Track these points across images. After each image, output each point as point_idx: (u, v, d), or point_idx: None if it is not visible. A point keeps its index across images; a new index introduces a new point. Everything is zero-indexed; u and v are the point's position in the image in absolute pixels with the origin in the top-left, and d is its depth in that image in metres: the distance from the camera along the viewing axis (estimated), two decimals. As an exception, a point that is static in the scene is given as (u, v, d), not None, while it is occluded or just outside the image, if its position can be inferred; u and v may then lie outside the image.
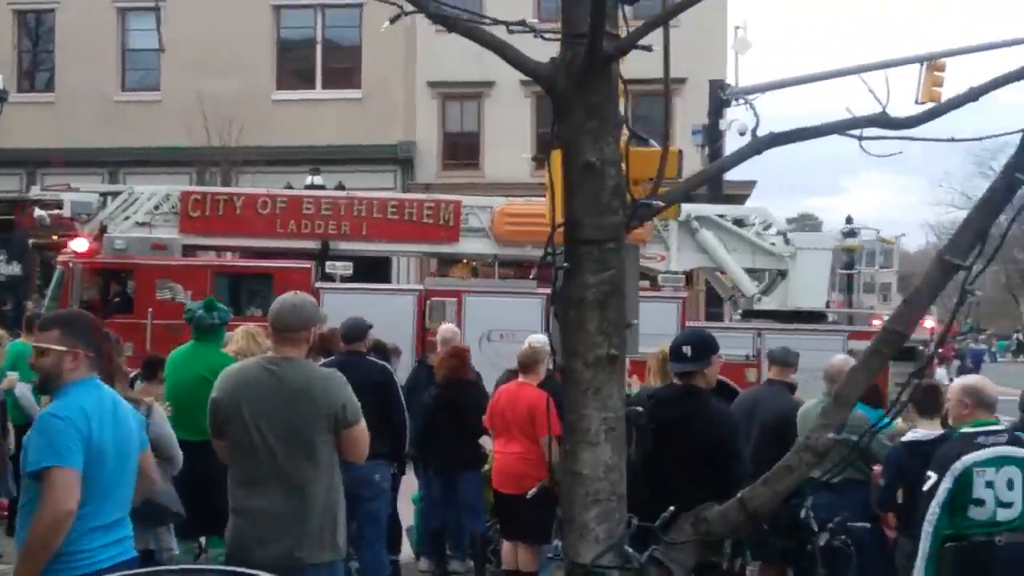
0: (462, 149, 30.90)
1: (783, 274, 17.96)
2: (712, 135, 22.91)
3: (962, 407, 6.38)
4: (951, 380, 24.56)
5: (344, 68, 30.66)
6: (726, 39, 25.10)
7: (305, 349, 5.36)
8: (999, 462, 6.03)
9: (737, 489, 5.78)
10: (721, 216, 18.16)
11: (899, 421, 7.46)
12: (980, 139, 3.77)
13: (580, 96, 3.94)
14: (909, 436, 7.25)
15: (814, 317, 17.10)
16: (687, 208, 16.89)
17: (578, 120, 3.97)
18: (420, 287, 17.18)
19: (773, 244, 17.94)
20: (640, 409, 5.37)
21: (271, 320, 5.29)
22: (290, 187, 22.99)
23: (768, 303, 17.70)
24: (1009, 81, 4.16)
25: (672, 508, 3.92)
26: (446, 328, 11.39)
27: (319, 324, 6.32)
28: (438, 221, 17.59)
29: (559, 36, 3.97)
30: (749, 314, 17.98)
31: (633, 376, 9.33)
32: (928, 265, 3.80)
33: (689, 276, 18.88)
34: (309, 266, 16.75)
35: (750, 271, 18.04)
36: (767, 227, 18.26)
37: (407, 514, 10.00)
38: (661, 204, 4.05)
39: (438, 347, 10.73)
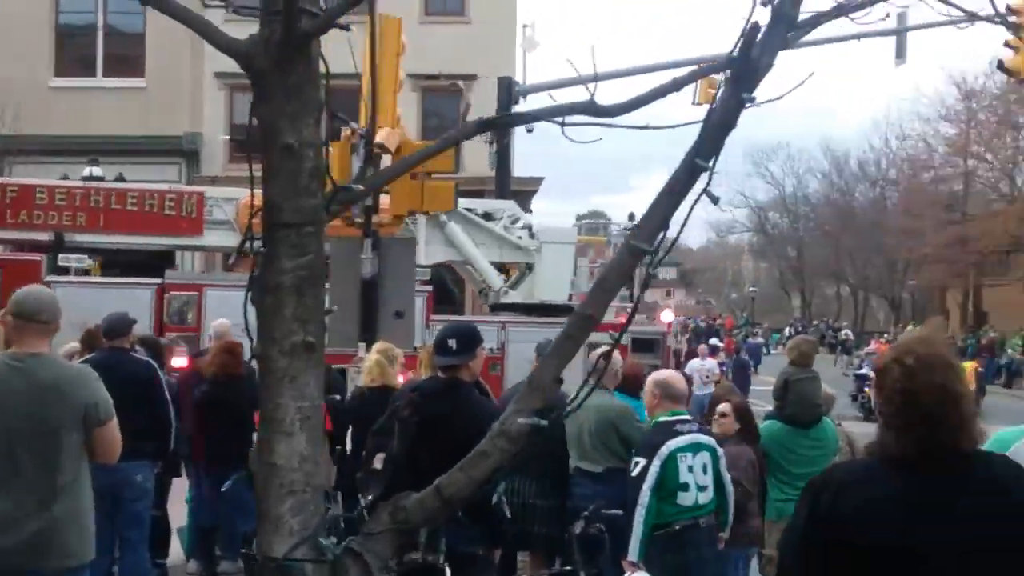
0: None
1: (531, 267, 18.20)
2: (501, 132, 23.01)
3: (652, 398, 6.86)
4: (723, 371, 25.49)
5: (127, 56, 29.48)
6: (515, 37, 25.38)
7: (49, 344, 5.08)
8: (695, 448, 6.56)
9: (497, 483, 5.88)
10: (469, 210, 18.18)
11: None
12: (673, 127, 3.82)
13: (278, 76, 3.81)
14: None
15: (560, 310, 17.19)
16: None
17: (277, 101, 3.84)
18: (159, 281, 16.45)
19: (520, 238, 18.10)
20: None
21: (13, 313, 4.97)
22: (66, 178, 21.99)
23: (515, 296, 17.88)
24: (705, 74, 4.26)
25: (371, 498, 3.85)
26: (219, 323, 11.07)
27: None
28: (180, 213, 17.15)
29: (256, 13, 3.83)
30: (497, 307, 18.15)
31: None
32: (618, 253, 3.83)
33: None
34: (39, 258, 16.01)
35: (499, 265, 18.21)
36: (514, 221, 18.42)
37: (181, 515, 9.70)
38: (360, 189, 3.94)
39: (211, 341, 10.46)
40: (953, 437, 2.99)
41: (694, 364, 21.84)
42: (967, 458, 3.01)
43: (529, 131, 23.87)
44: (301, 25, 3.70)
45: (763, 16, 3.57)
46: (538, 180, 29.76)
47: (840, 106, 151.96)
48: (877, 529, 2.94)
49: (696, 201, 3.39)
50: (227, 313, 15.02)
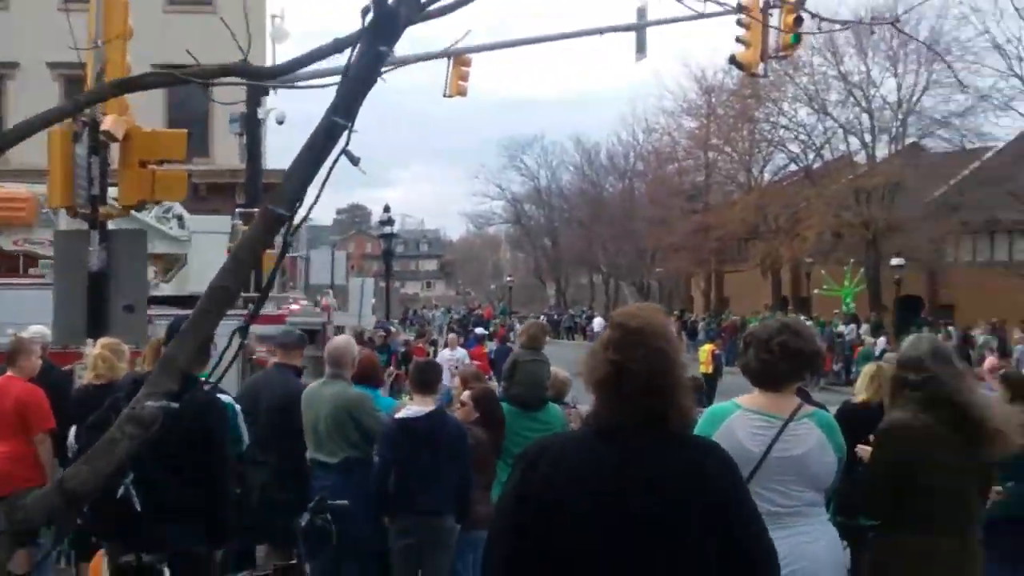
0: (-17, 133, 28.34)
1: (183, 259, 17.49)
2: (251, 124, 22.51)
3: None
4: (491, 358, 25.77)
5: None
6: (264, 27, 24.84)
7: None
8: None
9: (223, 483, 5.65)
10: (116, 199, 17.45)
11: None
12: (321, 87, 3.58)
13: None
14: (402, 413, 7.42)
15: None
16: None
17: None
18: None
19: (171, 228, 17.32)
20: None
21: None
22: None
23: (168, 289, 16.99)
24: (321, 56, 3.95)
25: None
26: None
27: None
28: None
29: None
30: (150, 301, 17.35)
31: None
32: (255, 220, 3.60)
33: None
34: None
35: (154, 256, 17.54)
36: (166, 211, 17.40)
37: None
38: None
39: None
40: (663, 406, 3.08)
41: (444, 354, 21.72)
42: (671, 432, 3.09)
43: (280, 123, 23.55)
44: None
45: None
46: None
47: (591, 100, 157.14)
48: (589, 496, 3.00)
49: (335, 162, 3.25)
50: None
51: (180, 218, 17.24)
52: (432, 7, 3.47)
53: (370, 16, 3.28)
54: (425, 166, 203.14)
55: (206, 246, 16.76)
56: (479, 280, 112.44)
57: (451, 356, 21.44)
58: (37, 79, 26.79)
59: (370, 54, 3.29)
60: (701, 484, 3.02)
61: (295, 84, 3.73)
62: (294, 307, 16.76)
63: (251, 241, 3.58)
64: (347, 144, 3.25)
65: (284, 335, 9.12)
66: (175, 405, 3.16)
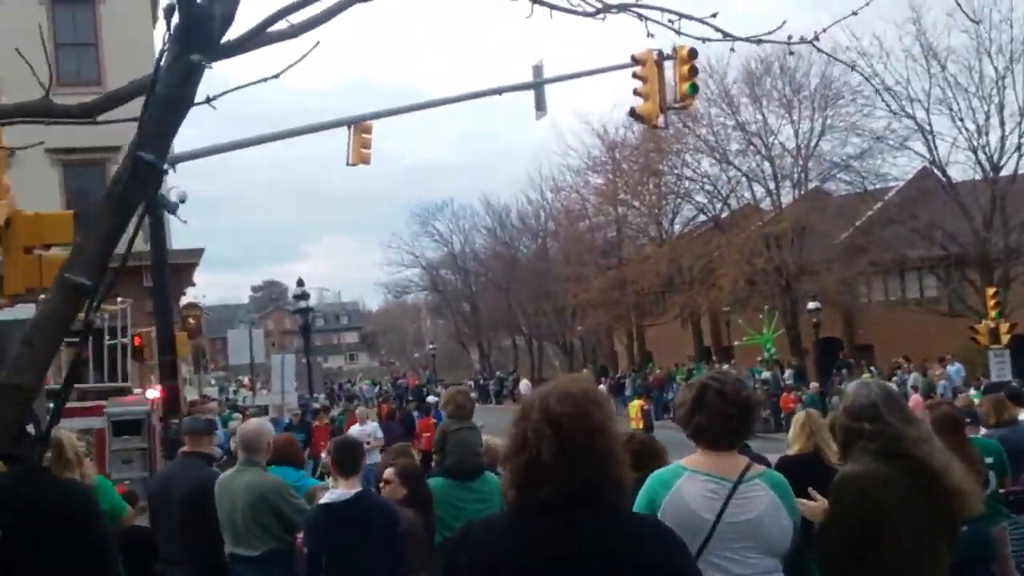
0: None
1: None
2: (151, 204, 21.96)
3: None
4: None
5: None
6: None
7: None
8: None
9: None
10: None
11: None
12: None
13: None
14: (326, 498, 6.99)
15: None
16: None
17: None
18: None
19: None
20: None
21: None
22: None
23: None
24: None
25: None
26: None
27: None
28: None
29: None
30: None
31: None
32: (50, 294, 3.01)
33: None
34: None
35: None
36: None
37: None
38: None
39: None
40: (595, 476, 2.84)
41: (354, 430, 20.09)
42: (605, 508, 2.85)
43: (182, 202, 23.00)
44: None
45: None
46: (198, 252, 28.69)
47: (497, 162, 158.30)
48: None
49: (143, 216, 2.79)
50: None
51: None
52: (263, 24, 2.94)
53: (176, 19, 2.67)
54: (337, 238, 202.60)
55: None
56: (402, 349, 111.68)
57: (361, 431, 20.17)
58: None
59: (180, 64, 2.71)
60: (641, 563, 2.76)
61: (109, 120, 3.34)
62: (126, 398, 16.23)
63: (47, 321, 2.95)
64: (159, 185, 2.78)
65: (192, 422, 8.76)
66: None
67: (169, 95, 2.71)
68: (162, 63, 2.70)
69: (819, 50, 6.22)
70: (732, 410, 4.17)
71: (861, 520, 4.39)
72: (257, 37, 2.97)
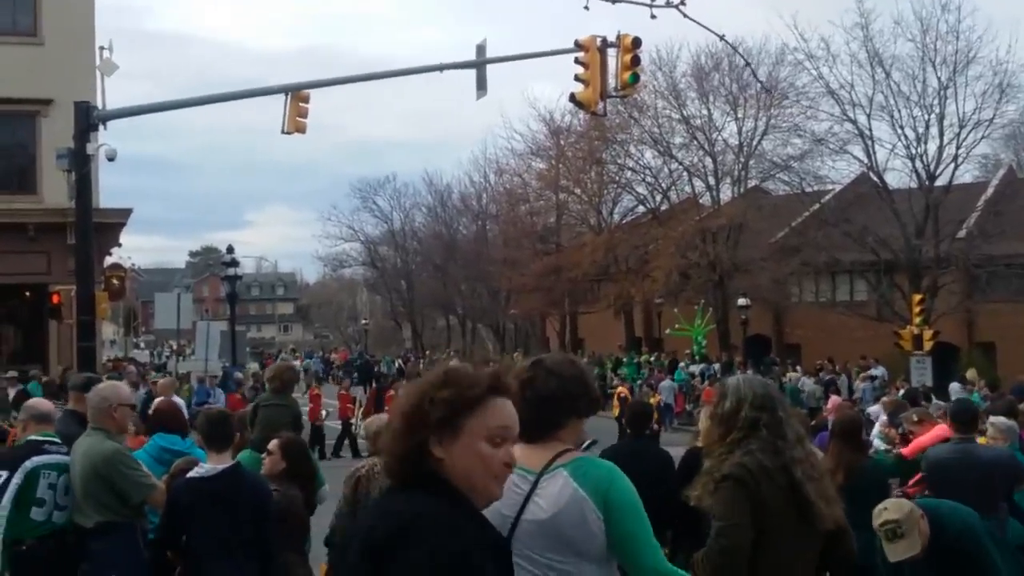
0: None
1: None
2: (79, 159, 21.45)
3: (22, 425, 7.18)
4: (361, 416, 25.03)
5: None
6: (93, 60, 23.81)
7: None
8: (61, 468, 6.73)
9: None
10: None
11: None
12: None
13: None
14: (193, 472, 6.67)
15: None
16: None
17: None
18: None
19: None
20: None
21: None
22: None
23: None
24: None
25: None
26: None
27: None
28: None
29: None
30: None
31: None
32: None
33: None
34: None
35: None
36: None
37: None
38: None
39: None
40: None
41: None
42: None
43: (111, 159, 22.51)
44: None
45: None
46: (125, 212, 28.08)
47: (442, 142, 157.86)
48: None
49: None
50: None
51: None
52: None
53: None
54: (280, 208, 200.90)
55: None
56: (336, 323, 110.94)
57: None
58: None
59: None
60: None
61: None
62: None
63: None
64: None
65: (75, 377, 8.45)
66: None
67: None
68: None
69: (685, 16, 6.14)
70: (536, 399, 3.75)
71: (759, 507, 4.44)
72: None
